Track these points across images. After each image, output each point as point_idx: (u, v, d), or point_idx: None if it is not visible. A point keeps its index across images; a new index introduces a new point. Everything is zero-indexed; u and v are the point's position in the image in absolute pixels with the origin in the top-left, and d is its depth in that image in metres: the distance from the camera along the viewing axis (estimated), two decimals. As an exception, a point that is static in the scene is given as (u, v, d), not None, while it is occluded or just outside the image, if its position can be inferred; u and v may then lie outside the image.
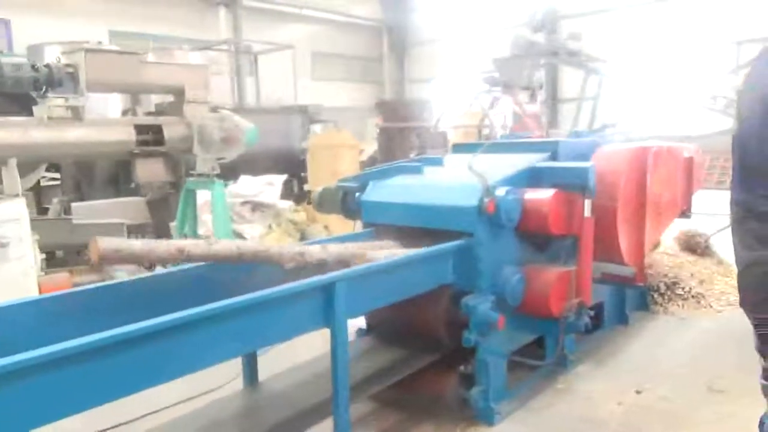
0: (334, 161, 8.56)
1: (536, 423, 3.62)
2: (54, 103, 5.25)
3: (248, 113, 9.97)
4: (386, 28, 23.18)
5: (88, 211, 7.72)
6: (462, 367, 3.61)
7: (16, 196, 4.79)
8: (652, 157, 4.22)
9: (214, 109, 5.92)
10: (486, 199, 3.40)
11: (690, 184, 4.90)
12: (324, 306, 2.75)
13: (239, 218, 7.32)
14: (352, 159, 9.01)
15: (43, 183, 8.46)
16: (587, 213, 3.71)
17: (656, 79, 16.10)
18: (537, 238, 3.83)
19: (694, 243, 6.29)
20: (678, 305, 5.53)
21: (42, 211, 8.12)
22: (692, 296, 5.60)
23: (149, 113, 8.02)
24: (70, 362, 1.94)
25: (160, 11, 16.58)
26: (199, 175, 6.03)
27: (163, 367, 2.26)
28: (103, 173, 9.26)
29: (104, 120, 6.20)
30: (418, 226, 3.76)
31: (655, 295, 5.60)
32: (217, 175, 6.08)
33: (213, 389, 3.77)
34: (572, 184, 3.71)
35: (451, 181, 3.87)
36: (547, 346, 4.15)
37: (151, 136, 5.62)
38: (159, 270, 4.29)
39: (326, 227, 7.56)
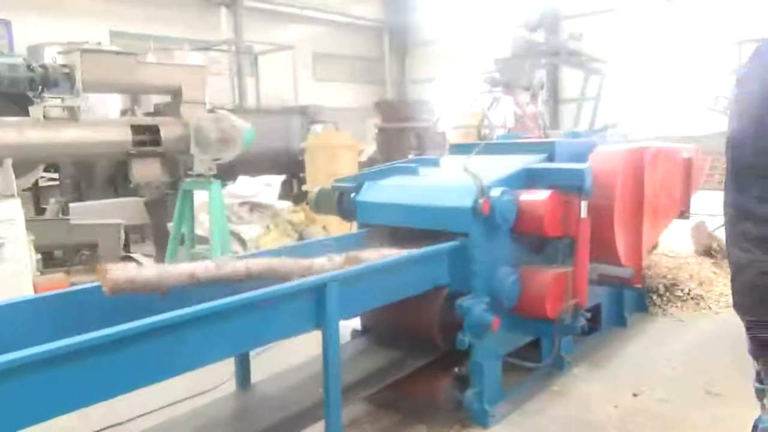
0: (332, 162, 8.53)
1: (531, 426, 3.59)
2: (50, 103, 5.24)
3: (247, 114, 9.96)
4: (387, 28, 23.16)
5: (85, 212, 7.73)
6: (456, 369, 3.58)
7: (11, 196, 4.77)
8: (650, 158, 4.20)
9: (211, 110, 5.88)
10: (480, 200, 3.37)
11: (689, 185, 4.87)
12: (315, 307, 2.73)
13: (237, 219, 7.30)
14: (351, 159, 8.98)
15: (42, 183, 8.47)
16: (583, 214, 3.68)
17: (657, 79, 16.07)
18: (533, 239, 3.80)
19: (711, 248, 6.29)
20: (677, 307, 5.50)
21: (40, 211, 8.13)
22: (691, 298, 5.57)
23: (148, 113, 8.00)
24: (62, 361, 1.94)
25: (161, 12, 16.58)
26: (197, 175, 6.00)
27: (154, 368, 2.25)
28: (101, 174, 9.28)
29: (100, 120, 6.17)
30: (413, 227, 3.73)
31: (654, 297, 5.58)
32: (215, 176, 6.06)
33: (205, 391, 3.75)
34: (568, 185, 3.68)
35: (446, 182, 3.85)
36: (543, 348, 4.12)
37: (147, 137, 5.59)
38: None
39: (324, 228, 7.54)
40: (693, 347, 4.70)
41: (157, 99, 8.45)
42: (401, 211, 3.80)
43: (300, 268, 3.06)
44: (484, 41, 17.94)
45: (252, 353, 4.10)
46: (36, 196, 7.96)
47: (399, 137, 9.63)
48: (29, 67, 5.05)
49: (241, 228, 7.12)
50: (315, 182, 7.44)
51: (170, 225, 6.79)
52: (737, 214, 1.84)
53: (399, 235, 3.81)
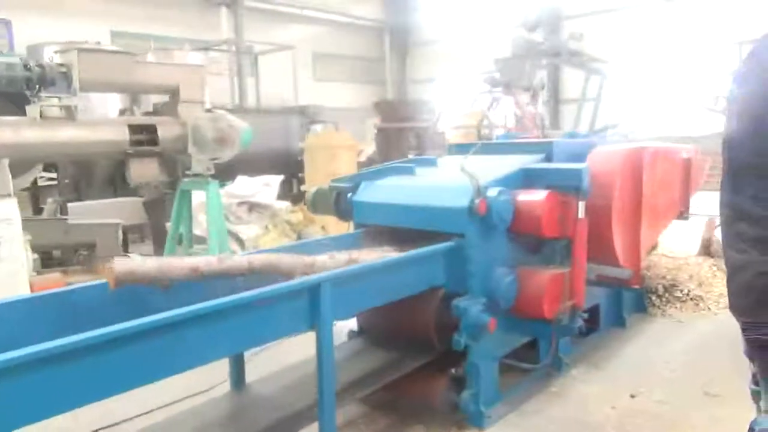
0: (331, 162, 8.51)
1: (528, 427, 3.57)
2: (48, 102, 5.22)
3: (246, 113, 9.95)
4: (388, 28, 23.14)
5: (84, 212, 7.71)
6: (453, 370, 3.56)
7: (8, 196, 4.75)
8: (648, 158, 4.17)
9: (209, 109, 5.86)
10: (477, 200, 3.35)
11: (688, 186, 4.85)
12: (309, 308, 2.72)
13: (236, 219, 7.28)
14: (350, 159, 8.96)
15: (41, 183, 8.45)
16: (581, 214, 3.66)
17: (658, 80, 16.04)
18: (530, 239, 3.77)
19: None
20: (676, 308, 5.48)
21: (39, 211, 8.10)
22: (690, 299, 5.55)
23: (147, 113, 7.98)
24: (57, 361, 1.94)
25: (161, 12, 16.57)
26: (195, 175, 5.99)
27: (148, 368, 2.24)
28: (101, 173, 9.27)
29: (97, 120, 6.16)
30: (409, 227, 3.71)
31: (653, 298, 5.56)
32: (213, 176, 6.04)
33: (201, 392, 3.73)
34: (566, 186, 3.66)
35: (443, 182, 3.83)
36: (540, 349, 4.10)
37: (145, 136, 5.57)
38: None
39: (323, 228, 7.52)
40: (692, 348, 4.68)
41: (156, 99, 8.45)
42: (397, 211, 3.78)
43: (302, 264, 3.05)
44: (485, 41, 17.91)
45: (249, 353, 4.11)
46: (35, 196, 7.93)
47: (398, 137, 9.61)
48: (26, 67, 5.04)
49: (240, 228, 7.11)
50: (314, 182, 7.41)
51: (168, 225, 6.77)
52: (733, 215, 1.82)
53: (396, 236, 3.79)
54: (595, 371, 4.29)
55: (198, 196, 6.35)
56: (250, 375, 3.50)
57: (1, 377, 1.82)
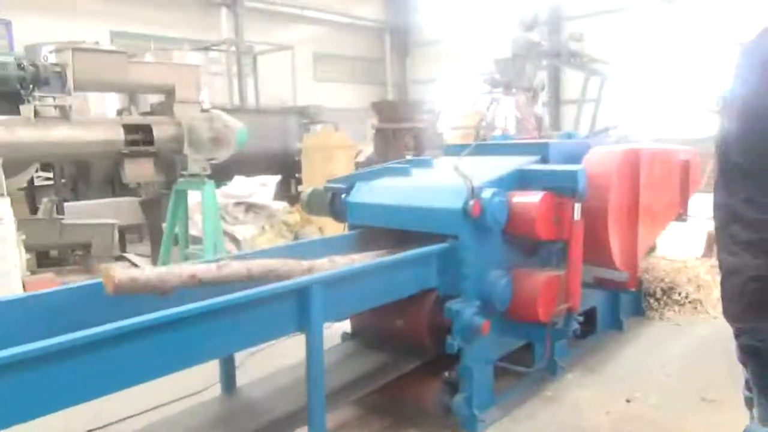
0: (328, 162, 8.48)
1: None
2: (43, 102, 5.19)
3: (244, 114, 9.92)
4: (388, 29, 23.11)
5: (81, 211, 7.69)
6: (446, 373, 3.52)
7: (1, 195, 4.72)
8: (645, 160, 4.13)
9: (205, 109, 5.83)
10: (471, 201, 3.31)
11: (686, 188, 4.81)
12: (299, 310, 2.68)
13: (232, 219, 7.25)
14: (347, 160, 8.92)
15: (37, 183, 8.41)
16: (577, 216, 3.62)
17: (659, 81, 15.99)
18: (526, 241, 3.73)
19: None
20: (674, 311, 5.44)
21: (35, 210, 8.07)
22: (689, 302, 5.50)
23: (144, 113, 7.96)
24: (46, 361, 1.93)
25: (161, 12, 16.56)
26: (191, 175, 5.96)
27: (135, 370, 2.21)
28: (98, 173, 9.24)
29: (92, 119, 6.13)
30: (403, 229, 3.67)
31: (651, 301, 5.52)
32: (210, 176, 6.02)
33: (191, 394, 3.70)
34: (562, 187, 3.62)
35: (437, 183, 3.79)
36: (536, 353, 4.06)
37: (140, 136, 5.54)
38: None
39: (320, 229, 7.48)
40: (689, 352, 4.64)
41: (154, 98, 8.43)
42: (391, 212, 3.74)
43: (301, 269, 3.02)
44: (486, 42, 17.88)
45: (244, 355, 4.08)
46: (31, 195, 7.89)
47: (396, 138, 9.57)
48: (20, 66, 5.02)
49: (236, 228, 7.07)
50: (311, 183, 7.39)
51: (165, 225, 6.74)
52: (726, 217, 1.79)
53: (391, 237, 3.75)
54: (590, 375, 4.25)
55: (195, 196, 6.33)
56: (245, 377, 3.48)
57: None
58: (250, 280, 2.82)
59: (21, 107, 5.12)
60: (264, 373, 3.52)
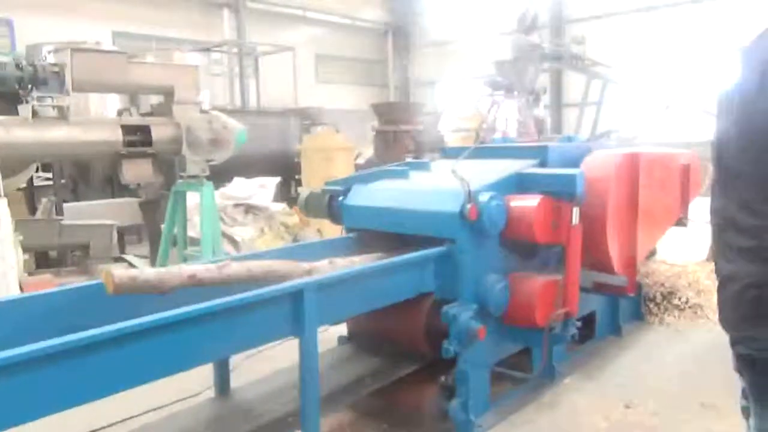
0: (327, 164, 8.46)
1: (518, 437, 3.50)
2: (42, 102, 5.18)
3: (244, 115, 9.91)
4: (391, 30, 23.11)
5: (79, 212, 7.67)
6: (443, 378, 3.49)
7: (-2, 195, 4.71)
8: (645, 164, 4.10)
9: (204, 110, 5.81)
10: (468, 205, 3.28)
11: (687, 192, 4.77)
12: (292, 314, 2.65)
13: (231, 220, 7.23)
14: (347, 162, 8.89)
15: (37, 183, 8.41)
16: (575, 221, 3.59)
17: (661, 84, 15.95)
18: (524, 245, 3.71)
19: None
20: (674, 316, 5.39)
21: (35, 211, 8.05)
22: (689, 307, 5.46)
23: (145, 114, 7.95)
24: (40, 364, 1.92)
25: (164, 13, 16.58)
26: (189, 176, 5.94)
27: (127, 373, 2.19)
28: (99, 173, 9.23)
29: (90, 120, 6.13)
30: (399, 232, 3.65)
31: (651, 305, 5.48)
32: (209, 177, 6.00)
33: (186, 397, 3.66)
34: (560, 191, 3.59)
35: (434, 186, 3.76)
36: (534, 358, 4.03)
37: (139, 137, 5.52)
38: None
39: (319, 231, 7.46)
40: (689, 358, 4.60)
41: (155, 99, 8.41)
42: (387, 215, 3.71)
43: (300, 271, 3.01)
44: (489, 44, 17.86)
45: (241, 357, 4.05)
46: (31, 196, 7.88)
47: (396, 140, 9.54)
48: (18, 66, 5.00)
49: (235, 230, 7.05)
50: (311, 185, 7.37)
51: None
52: (722, 223, 1.75)
53: (390, 240, 3.72)
54: (589, 380, 4.22)
55: (194, 198, 6.31)
56: (241, 380, 3.46)
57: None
58: (251, 281, 2.81)
59: (19, 107, 5.11)
60: (259, 375, 3.49)
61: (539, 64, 11.31)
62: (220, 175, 7.57)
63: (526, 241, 3.60)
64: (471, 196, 3.30)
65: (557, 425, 3.61)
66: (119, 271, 2.49)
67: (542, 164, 4.03)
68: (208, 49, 14.83)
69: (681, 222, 4.86)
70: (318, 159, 8.76)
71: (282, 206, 7.82)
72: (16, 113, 5.18)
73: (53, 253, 7.39)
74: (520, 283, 3.55)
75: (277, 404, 3.02)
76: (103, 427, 3.47)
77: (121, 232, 8.36)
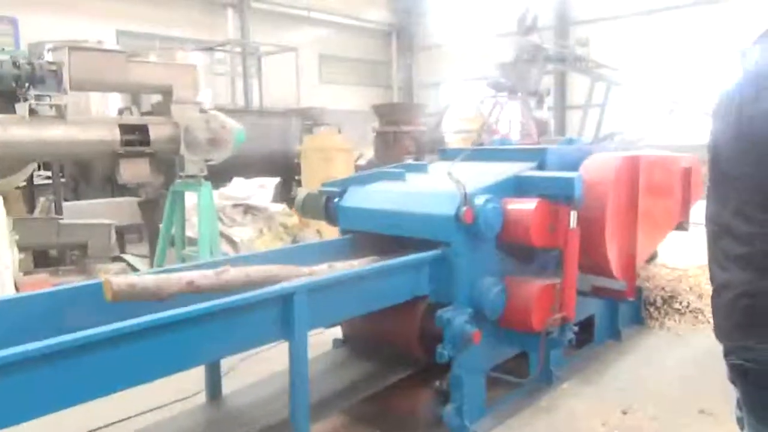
0: (327, 165, 8.41)
1: (513, 443, 3.46)
2: (40, 101, 5.16)
3: (245, 115, 9.88)
4: (395, 31, 23.07)
5: (79, 211, 7.65)
6: (437, 383, 3.45)
7: (-7, 195, 4.68)
8: (645, 167, 4.05)
9: (202, 110, 5.78)
10: (463, 208, 3.24)
11: (688, 195, 4.72)
12: (282, 318, 2.61)
13: (230, 221, 7.19)
14: (347, 162, 8.84)
15: (37, 182, 8.39)
16: (573, 224, 3.54)
17: (664, 87, 15.88)
18: (521, 249, 3.67)
19: None
20: (674, 320, 5.34)
21: (34, 210, 8.04)
22: (690, 311, 5.40)
23: (145, 113, 7.93)
24: (28, 366, 1.90)
25: (168, 12, 16.59)
26: (187, 176, 5.91)
27: (113, 376, 2.17)
28: (99, 172, 9.21)
29: (88, 119, 6.10)
30: (394, 234, 3.61)
31: (651, 309, 5.43)
32: (207, 177, 5.97)
33: (174, 401, 3.64)
34: (557, 195, 3.55)
35: (430, 189, 3.72)
36: (530, 362, 3.98)
37: (137, 136, 5.49)
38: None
39: (319, 232, 7.42)
40: (689, 363, 4.54)
41: (156, 98, 8.38)
42: (382, 217, 3.68)
43: (301, 275, 2.98)
44: (493, 45, 17.81)
45: (237, 359, 4.02)
46: (31, 194, 7.86)
47: (396, 141, 9.50)
48: (15, 64, 4.98)
49: (233, 230, 7.02)
50: (310, 185, 7.33)
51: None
52: (717, 229, 1.71)
53: (385, 242, 3.69)
54: (587, 385, 4.17)
55: (193, 198, 6.28)
56: (236, 382, 3.43)
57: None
58: (250, 286, 2.77)
59: (16, 106, 5.08)
60: (255, 377, 3.47)
61: (542, 66, 11.28)
62: (220, 175, 7.54)
63: (524, 244, 3.55)
64: (467, 199, 3.26)
65: (555, 430, 3.57)
66: (118, 278, 2.47)
67: (541, 167, 3.99)
68: (211, 49, 14.80)
69: (682, 226, 4.81)
70: (318, 160, 8.72)
71: (282, 207, 7.79)
72: (14, 112, 5.14)
73: (53, 252, 7.38)
74: (516, 287, 3.51)
75: (268, 411, 2.98)
76: (99, 428, 3.47)
77: (121, 232, 8.35)
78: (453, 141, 11.32)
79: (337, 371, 3.55)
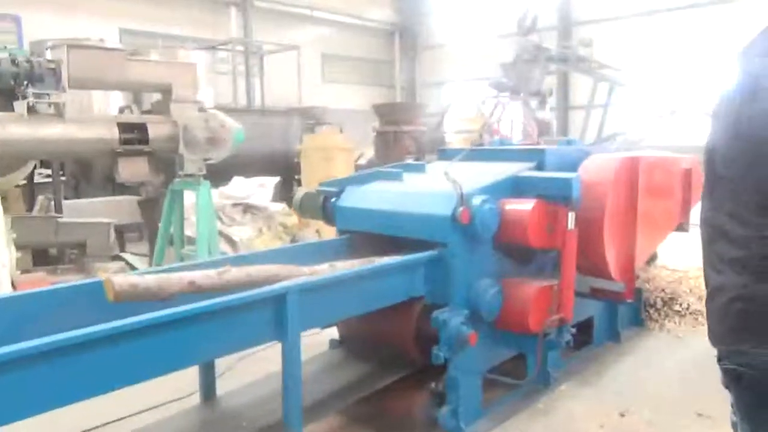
0: (327, 164, 8.39)
1: (509, 445, 3.44)
2: (40, 99, 5.15)
3: (246, 114, 9.86)
4: (398, 30, 23.04)
5: (79, 210, 7.64)
6: (432, 384, 3.43)
7: (-12, 193, 4.67)
8: (644, 168, 4.02)
9: (202, 109, 5.76)
10: (460, 208, 3.21)
11: (688, 196, 4.69)
12: (275, 318, 2.59)
13: (230, 220, 7.18)
14: (347, 162, 8.81)
15: (37, 180, 8.38)
16: (570, 225, 3.52)
17: (667, 88, 15.82)
18: (518, 250, 3.64)
19: None
20: (675, 322, 5.31)
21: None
22: (690, 313, 5.37)
23: (146, 111, 7.92)
24: (19, 365, 1.90)
25: (171, 11, 16.59)
26: (186, 175, 5.89)
27: (106, 376, 2.16)
28: (100, 171, 9.20)
29: (86, 117, 6.08)
30: (390, 235, 3.58)
31: (651, 311, 5.40)
32: (208, 176, 5.95)
33: (168, 401, 3.62)
34: (555, 195, 3.52)
35: (427, 189, 3.69)
36: (528, 364, 3.96)
37: (135, 135, 5.48)
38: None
39: (318, 231, 7.40)
40: (688, 365, 4.51)
41: (156, 97, 8.37)
42: (378, 217, 3.66)
43: (302, 275, 2.96)
44: (496, 45, 17.76)
45: (234, 359, 4.01)
46: (31, 193, 7.86)
47: (396, 141, 9.47)
48: (14, 62, 4.97)
49: (233, 230, 7.00)
50: (310, 185, 7.31)
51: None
52: (712, 233, 1.68)
53: (381, 242, 3.66)
54: (584, 387, 4.14)
55: (192, 197, 6.26)
56: (232, 382, 3.41)
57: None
58: (251, 286, 2.75)
59: (15, 104, 5.08)
60: (253, 377, 3.46)
61: (545, 66, 11.22)
62: (221, 174, 7.53)
63: (521, 245, 3.53)
64: (463, 199, 3.24)
65: (551, 432, 3.55)
66: (120, 278, 2.46)
67: (539, 167, 3.96)
68: (213, 47, 14.79)
69: (682, 227, 4.78)
70: (318, 159, 8.69)
71: (281, 206, 7.76)
72: (12, 110, 5.14)
73: (53, 251, 7.37)
74: (513, 288, 3.49)
75: (262, 411, 2.96)
76: (93, 428, 3.45)
77: (122, 230, 8.34)
78: (454, 141, 11.29)
79: (333, 372, 3.53)
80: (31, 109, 5.06)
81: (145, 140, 5.52)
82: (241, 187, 7.60)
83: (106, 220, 6.80)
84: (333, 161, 8.50)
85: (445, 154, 4.69)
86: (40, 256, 7.09)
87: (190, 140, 5.59)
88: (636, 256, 4.09)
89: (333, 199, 3.97)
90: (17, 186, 6.99)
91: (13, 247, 5.01)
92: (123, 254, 7.29)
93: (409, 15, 22.82)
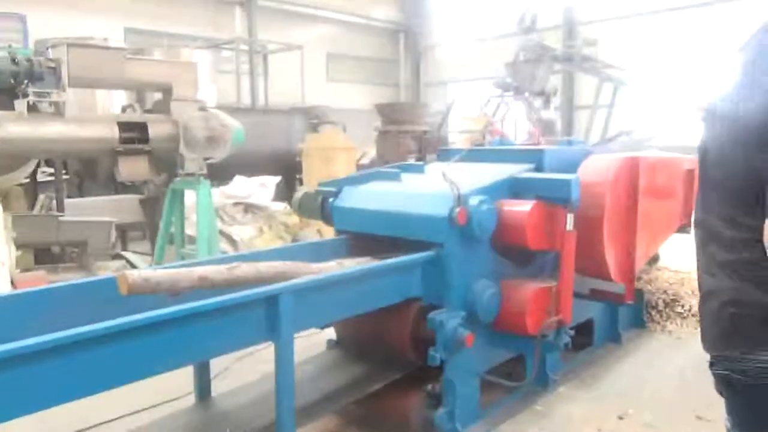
0: (328, 164, 8.36)
1: (505, 448, 3.41)
2: (40, 98, 5.15)
3: (247, 113, 9.85)
4: (403, 30, 23.01)
5: (81, 208, 7.64)
6: (429, 386, 3.41)
7: (-12, 191, 4.68)
8: (645, 169, 3.99)
9: (202, 108, 5.75)
10: (457, 209, 3.19)
11: (690, 197, 4.64)
12: (267, 319, 2.57)
13: (230, 219, 7.17)
14: (348, 162, 8.78)
15: (40, 178, 8.39)
16: (569, 227, 3.48)
17: (673, 87, 15.75)
18: (516, 251, 3.61)
19: None
20: (676, 324, 5.27)
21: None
22: (692, 315, 5.32)
23: (148, 110, 7.92)
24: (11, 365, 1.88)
25: (175, 9, 16.61)
26: (187, 174, 5.89)
27: (98, 376, 2.14)
28: (104, 169, 9.20)
29: (86, 116, 6.08)
30: (387, 235, 3.56)
31: (653, 312, 5.36)
32: (206, 175, 5.95)
33: (163, 402, 3.61)
34: (554, 197, 3.49)
35: (425, 189, 3.67)
36: (526, 366, 3.93)
37: (136, 134, 5.48)
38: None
39: (319, 231, 7.38)
40: (689, 367, 4.46)
41: (158, 96, 8.37)
42: (375, 218, 3.63)
43: (310, 272, 2.97)
44: (500, 45, 17.71)
45: (232, 359, 4.00)
46: (33, 191, 7.87)
47: (398, 140, 9.45)
48: (14, 61, 4.97)
49: (233, 229, 7.00)
50: (311, 184, 7.29)
51: (163, 224, 6.67)
52: (705, 236, 1.65)
53: (379, 243, 3.64)
54: (584, 389, 4.12)
55: (193, 196, 6.26)
56: (229, 382, 3.39)
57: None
58: (260, 282, 2.77)
59: (15, 102, 5.08)
60: (249, 378, 3.44)
61: (549, 66, 11.19)
62: (223, 173, 7.52)
63: (519, 246, 3.50)
64: (460, 200, 3.21)
65: (548, 435, 3.52)
66: (134, 273, 2.47)
67: (538, 168, 3.93)
68: (217, 46, 14.80)
69: (684, 228, 4.74)
70: (319, 158, 8.67)
71: (283, 206, 7.75)
72: (12, 108, 5.14)
73: (55, 250, 7.38)
74: (511, 290, 3.46)
75: (256, 412, 2.95)
76: (86, 429, 3.45)
77: (124, 229, 8.35)
78: (457, 141, 11.26)
79: (329, 373, 3.51)
80: (31, 108, 5.07)
81: (145, 139, 5.52)
82: (242, 187, 7.59)
83: (107, 219, 6.80)
84: (334, 161, 8.48)
85: (445, 155, 4.65)
86: (42, 255, 7.10)
87: (190, 139, 5.59)
88: (636, 257, 4.06)
89: (331, 200, 3.95)
90: (20, 184, 7.00)
91: (12, 246, 5.02)
92: (124, 253, 7.30)
93: (413, 14, 22.79)
